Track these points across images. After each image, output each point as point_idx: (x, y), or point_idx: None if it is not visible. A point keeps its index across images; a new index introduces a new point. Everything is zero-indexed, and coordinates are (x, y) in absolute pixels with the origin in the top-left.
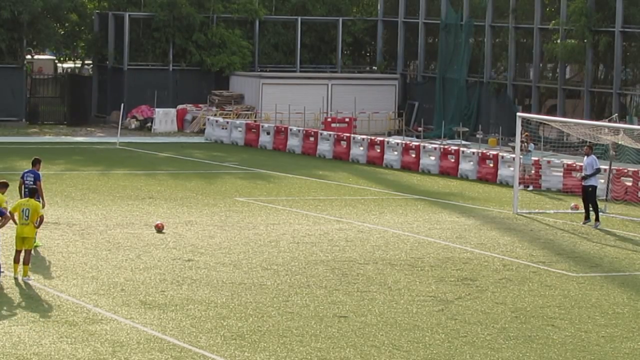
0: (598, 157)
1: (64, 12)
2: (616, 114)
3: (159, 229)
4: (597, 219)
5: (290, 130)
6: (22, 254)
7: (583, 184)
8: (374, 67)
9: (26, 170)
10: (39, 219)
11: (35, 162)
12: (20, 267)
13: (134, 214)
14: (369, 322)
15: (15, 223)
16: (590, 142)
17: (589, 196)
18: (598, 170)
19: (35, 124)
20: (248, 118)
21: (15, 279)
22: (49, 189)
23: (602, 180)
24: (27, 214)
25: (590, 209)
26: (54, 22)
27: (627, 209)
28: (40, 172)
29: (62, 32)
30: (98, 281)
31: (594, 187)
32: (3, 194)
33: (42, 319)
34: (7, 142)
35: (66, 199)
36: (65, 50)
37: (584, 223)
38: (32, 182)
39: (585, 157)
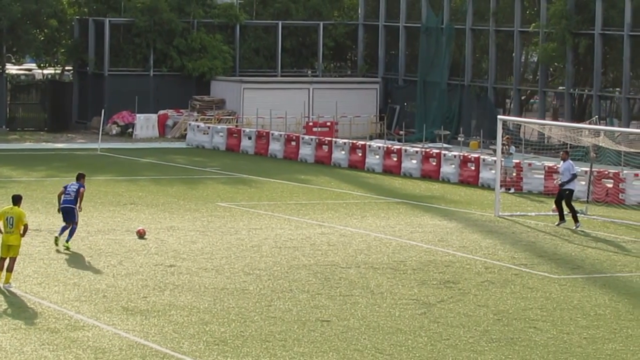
0: (579, 160)
1: (43, 17)
2: (596, 116)
3: (141, 234)
4: (576, 220)
5: (272, 134)
6: (7, 261)
7: (560, 187)
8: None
9: (71, 183)
10: (23, 227)
11: (80, 177)
12: (4, 273)
13: (116, 220)
14: (352, 326)
15: (0, 232)
16: (567, 148)
17: (565, 199)
18: (574, 176)
19: (15, 130)
20: (229, 123)
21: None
22: (30, 196)
23: (583, 182)
24: (11, 222)
25: (568, 211)
26: (33, 28)
27: (608, 211)
28: (84, 185)
29: (42, 38)
30: (80, 288)
31: (571, 191)
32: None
33: (24, 326)
34: None
35: (47, 206)
36: (46, 56)
37: (557, 224)
38: (75, 192)
39: (562, 162)
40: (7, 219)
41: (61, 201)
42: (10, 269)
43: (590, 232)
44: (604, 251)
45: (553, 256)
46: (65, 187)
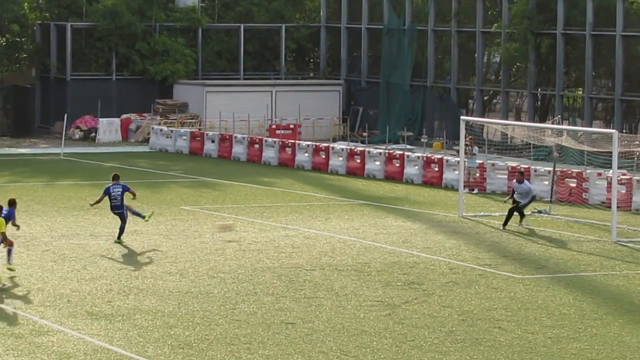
0: (542, 159)
1: (5, 22)
2: (559, 116)
3: (226, 228)
4: (522, 219)
5: (235, 137)
6: None
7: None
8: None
9: (111, 184)
10: (0, 236)
11: (116, 177)
12: None
13: (79, 225)
14: (317, 329)
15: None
16: (520, 170)
17: (517, 206)
18: (534, 198)
19: None
20: (192, 126)
21: None
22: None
23: (547, 182)
24: None
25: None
26: None
27: (571, 210)
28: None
29: (4, 44)
30: (44, 293)
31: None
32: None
33: None
34: None
35: None
36: (7, 61)
37: (520, 224)
38: (120, 195)
39: (516, 182)
40: None
41: (111, 206)
42: None
43: (554, 232)
44: (568, 251)
45: (517, 256)
46: (109, 192)
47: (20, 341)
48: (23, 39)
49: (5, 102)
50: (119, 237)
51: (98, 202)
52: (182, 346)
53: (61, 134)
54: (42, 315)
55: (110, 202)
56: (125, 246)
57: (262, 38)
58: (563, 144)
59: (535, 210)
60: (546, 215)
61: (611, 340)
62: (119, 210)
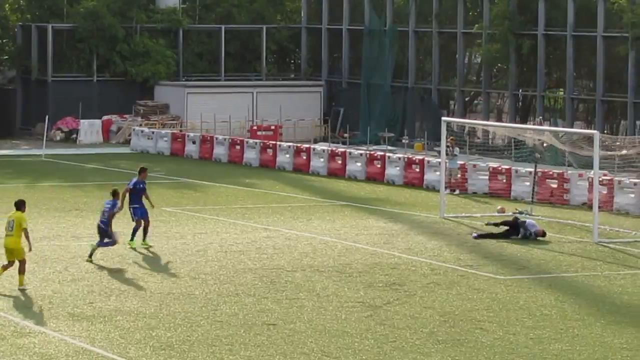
0: (523, 160)
1: None
2: (540, 117)
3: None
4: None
5: (216, 139)
6: (15, 265)
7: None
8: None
9: (134, 181)
10: (23, 231)
11: (142, 171)
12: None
13: (61, 226)
14: (298, 330)
15: None
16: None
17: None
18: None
19: None
20: (174, 128)
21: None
22: None
23: (528, 183)
24: (11, 226)
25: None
26: None
27: (552, 211)
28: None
29: None
30: (25, 294)
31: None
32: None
33: None
34: None
35: None
36: None
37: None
38: (142, 190)
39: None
40: (8, 222)
41: (130, 201)
42: (21, 272)
43: None
44: (549, 251)
45: (498, 257)
46: (135, 185)
47: (2, 343)
48: (4, 41)
49: None
50: (144, 239)
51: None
52: (164, 347)
53: (42, 135)
54: (24, 317)
55: (130, 198)
56: (149, 250)
57: (243, 39)
58: (545, 145)
59: (516, 211)
60: (527, 216)
61: (593, 341)
62: (141, 208)
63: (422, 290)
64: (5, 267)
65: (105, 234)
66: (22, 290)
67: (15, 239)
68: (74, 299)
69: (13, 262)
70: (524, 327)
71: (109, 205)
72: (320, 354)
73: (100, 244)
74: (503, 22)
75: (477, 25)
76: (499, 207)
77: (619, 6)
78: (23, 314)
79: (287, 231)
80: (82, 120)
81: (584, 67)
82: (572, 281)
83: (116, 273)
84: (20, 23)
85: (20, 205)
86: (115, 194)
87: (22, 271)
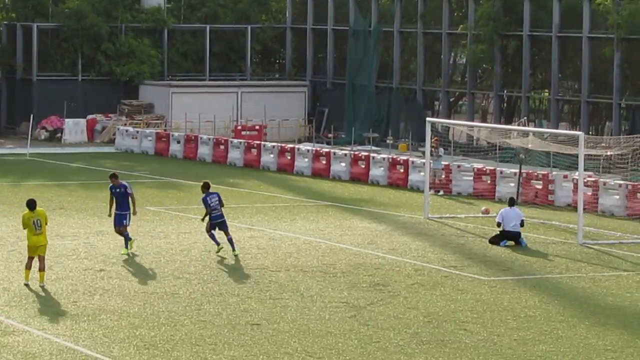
0: (507, 162)
1: None
2: (525, 117)
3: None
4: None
5: (201, 138)
6: (36, 261)
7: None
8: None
9: (209, 195)
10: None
11: (206, 186)
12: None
13: None
14: (282, 330)
15: None
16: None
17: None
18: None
19: None
20: (158, 127)
21: (26, 285)
22: None
23: (513, 184)
24: (39, 224)
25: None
26: None
27: (537, 212)
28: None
29: None
30: (9, 293)
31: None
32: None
33: None
34: None
35: None
36: None
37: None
38: (218, 202)
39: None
40: (34, 222)
41: (212, 216)
42: (43, 268)
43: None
44: (534, 253)
45: (483, 258)
46: (206, 202)
47: None
48: None
49: None
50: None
51: (206, 215)
52: (148, 347)
53: (27, 134)
54: (8, 315)
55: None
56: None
57: (227, 39)
58: (529, 146)
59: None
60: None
61: (577, 343)
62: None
63: (406, 290)
64: (29, 267)
65: (225, 224)
66: (43, 287)
67: (45, 236)
68: (58, 298)
69: (33, 259)
70: (508, 329)
71: (215, 199)
72: (303, 354)
73: (230, 237)
74: (488, 22)
75: (462, 25)
76: (483, 208)
77: (604, 7)
78: (7, 312)
79: (271, 231)
80: (66, 120)
81: (569, 68)
82: (556, 282)
83: (100, 272)
84: (5, 22)
85: (35, 204)
86: (207, 186)
87: (43, 268)
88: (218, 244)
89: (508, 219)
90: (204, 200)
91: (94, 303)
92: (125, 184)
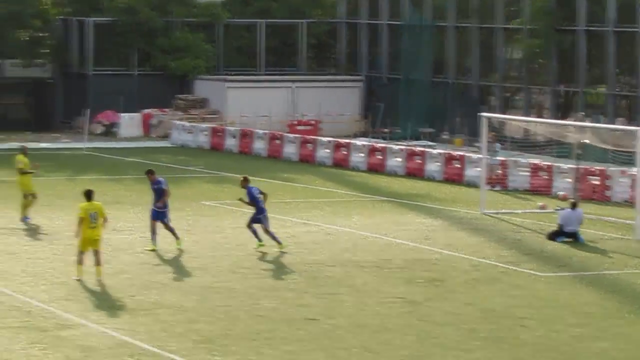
0: (565, 157)
1: (27, 18)
2: (582, 113)
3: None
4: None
5: (256, 133)
6: (91, 256)
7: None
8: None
9: (253, 189)
10: (103, 220)
11: (245, 180)
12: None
13: None
14: (339, 325)
15: None
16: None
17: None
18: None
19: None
20: (213, 122)
21: (79, 280)
22: (15, 195)
23: (569, 180)
24: (94, 217)
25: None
26: (17, 28)
27: (594, 208)
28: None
29: (27, 39)
30: (67, 286)
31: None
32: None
33: (12, 326)
34: None
35: (33, 205)
36: (29, 56)
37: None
38: (259, 196)
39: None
40: (90, 214)
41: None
42: (99, 262)
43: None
44: (591, 249)
45: (539, 254)
46: (253, 193)
47: (45, 334)
48: (45, 34)
49: (27, 96)
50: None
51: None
52: (205, 341)
53: (83, 128)
54: (66, 309)
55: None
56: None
57: (281, 34)
58: (586, 142)
59: (558, 208)
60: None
61: (636, 340)
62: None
63: (463, 286)
64: (81, 262)
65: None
66: (99, 281)
67: (100, 229)
68: (115, 292)
69: (84, 253)
70: (566, 325)
71: (258, 191)
72: (360, 349)
73: (270, 232)
74: (543, 17)
75: (518, 20)
76: (539, 204)
77: None
78: (64, 306)
79: (327, 226)
80: (122, 114)
81: (626, 63)
82: (614, 279)
83: (157, 267)
84: (60, 17)
85: (92, 194)
86: (247, 180)
87: (99, 262)
88: (260, 240)
89: (569, 221)
90: (250, 192)
91: (151, 297)
92: (161, 179)
